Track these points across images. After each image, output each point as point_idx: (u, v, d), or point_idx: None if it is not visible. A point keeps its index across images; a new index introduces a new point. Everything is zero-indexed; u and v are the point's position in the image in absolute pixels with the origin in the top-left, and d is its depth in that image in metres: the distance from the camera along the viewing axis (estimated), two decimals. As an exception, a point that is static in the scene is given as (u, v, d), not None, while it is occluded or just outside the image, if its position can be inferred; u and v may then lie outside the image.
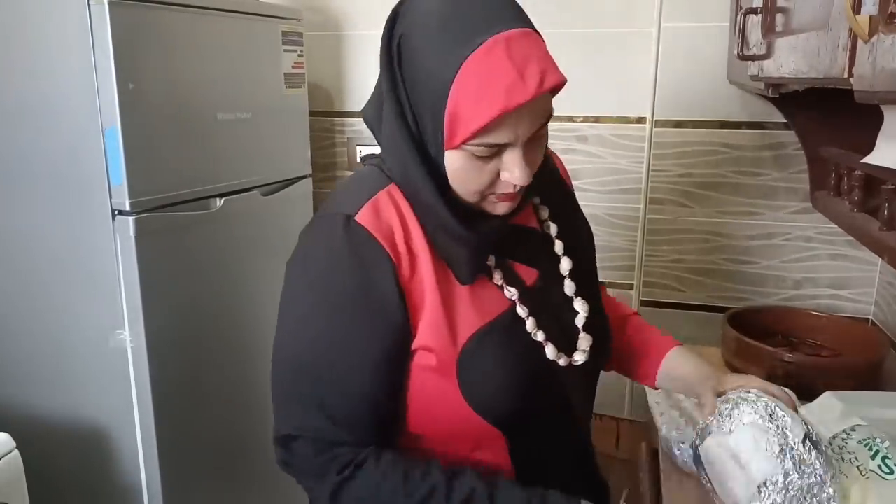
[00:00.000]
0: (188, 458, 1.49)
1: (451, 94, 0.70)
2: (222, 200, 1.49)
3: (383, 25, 0.79)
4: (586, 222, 0.98)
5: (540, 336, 0.82)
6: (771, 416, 0.81)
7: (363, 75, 1.90)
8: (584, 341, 0.86)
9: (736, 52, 1.14)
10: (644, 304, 1.82)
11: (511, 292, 0.82)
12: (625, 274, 1.82)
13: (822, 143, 1.40)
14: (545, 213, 0.90)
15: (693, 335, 1.78)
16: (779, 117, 1.57)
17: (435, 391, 0.79)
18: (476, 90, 0.69)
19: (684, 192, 1.73)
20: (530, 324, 0.82)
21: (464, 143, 0.72)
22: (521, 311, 0.82)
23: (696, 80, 1.65)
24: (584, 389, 0.91)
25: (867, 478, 0.84)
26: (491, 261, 0.82)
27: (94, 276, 1.33)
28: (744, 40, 1.14)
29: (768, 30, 1.06)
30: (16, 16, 1.26)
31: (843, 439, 0.91)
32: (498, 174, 0.75)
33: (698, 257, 1.76)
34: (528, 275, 0.86)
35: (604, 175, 1.77)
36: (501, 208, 0.80)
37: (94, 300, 1.34)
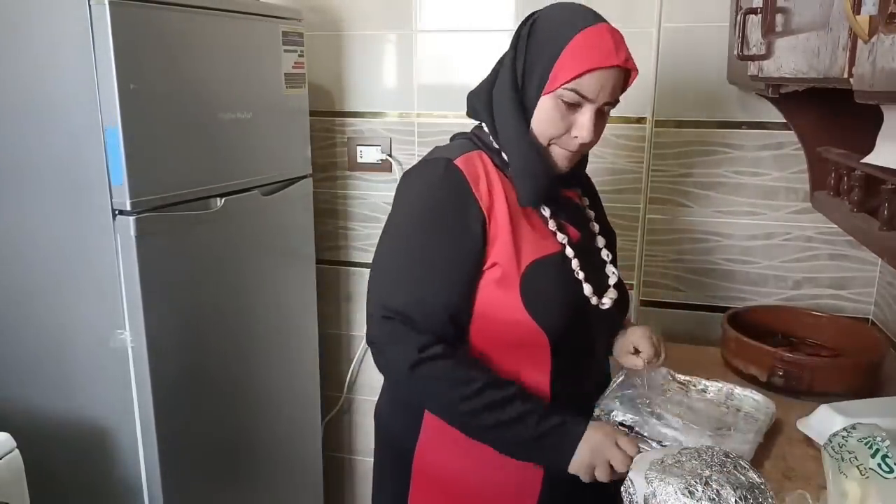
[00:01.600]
0: (188, 457, 1.49)
1: (564, 51, 0.98)
2: (223, 200, 1.49)
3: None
4: (611, 226, 1.25)
5: (581, 276, 1.08)
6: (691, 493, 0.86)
7: (363, 75, 1.90)
8: (611, 293, 1.13)
9: (736, 52, 1.15)
10: (644, 303, 1.82)
11: (562, 237, 1.08)
12: (625, 274, 1.79)
13: (821, 143, 1.40)
14: (586, 201, 1.21)
15: (693, 335, 1.79)
16: (779, 117, 1.57)
17: (499, 300, 1.02)
18: (582, 50, 0.97)
19: (684, 191, 1.74)
20: (575, 264, 1.07)
21: (563, 84, 0.98)
22: (569, 252, 1.07)
23: (696, 80, 1.66)
24: (605, 332, 1.17)
25: (867, 477, 0.84)
26: (546, 211, 1.08)
27: (95, 276, 1.33)
28: (744, 40, 1.14)
29: (768, 30, 1.06)
30: (16, 16, 1.26)
31: (843, 437, 0.91)
32: (569, 130, 1.03)
33: (698, 257, 1.77)
34: (573, 234, 1.11)
35: (604, 175, 1.77)
36: (562, 162, 1.07)
37: (95, 300, 1.34)
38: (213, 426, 1.56)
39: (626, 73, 1.01)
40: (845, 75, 0.71)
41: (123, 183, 1.27)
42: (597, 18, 1.01)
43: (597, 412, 1.11)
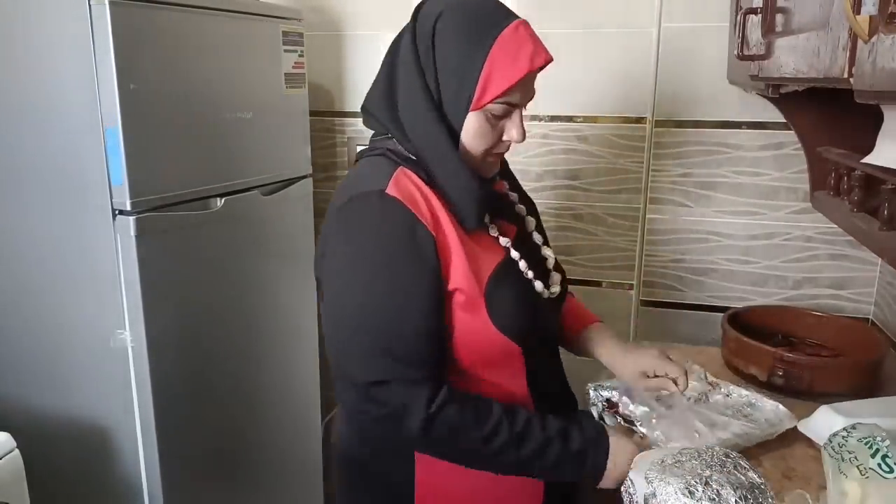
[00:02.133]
0: (189, 457, 1.49)
1: (487, 63, 0.92)
2: (223, 200, 1.49)
3: (407, 20, 0.99)
4: (530, 198, 1.20)
5: (530, 274, 1.05)
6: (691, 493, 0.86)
7: (363, 75, 1.90)
8: (556, 277, 1.12)
9: (736, 52, 1.15)
10: (644, 303, 1.82)
11: (505, 241, 1.04)
12: (625, 274, 1.82)
13: (821, 143, 1.40)
14: (506, 185, 1.16)
15: (693, 335, 1.78)
16: (779, 117, 1.57)
17: (468, 324, 0.97)
18: (507, 59, 0.92)
19: (684, 191, 1.74)
20: (522, 265, 1.04)
21: (493, 100, 0.94)
22: (515, 254, 1.04)
23: (696, 80, 1.66)
24: (556, 317, 1.15)
25: (867, 477, 0.84)
26: (486, 218, 1.03)
27: (95, 276, 1.33)
28: (744, 40, 1.14)
29: (768, 30, 1.06)
30: (16, 16, 1.26)
31: (843, 437, 0.91)
32: (500, 136, 0.99)
33: (698, 257, 1.77)
34: (510, 230, 1.08)
35: (604, 175, 1.77)
36: (493, 168, 1.05)
37: (95, 300, 1.34)
38: (213, 426, 1.55)
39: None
40: (845, 75, 0.71)
41: (123, 183, 1.27)
42: (505, 14, 0.95)
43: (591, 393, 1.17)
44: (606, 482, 1.00)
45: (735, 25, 1.23)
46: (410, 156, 1.00)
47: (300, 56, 1.71)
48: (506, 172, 1.18)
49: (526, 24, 0.95)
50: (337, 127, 1.96)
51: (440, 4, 0.96)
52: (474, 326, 0.97)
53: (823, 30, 0.80)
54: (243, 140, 1.55)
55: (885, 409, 1.13)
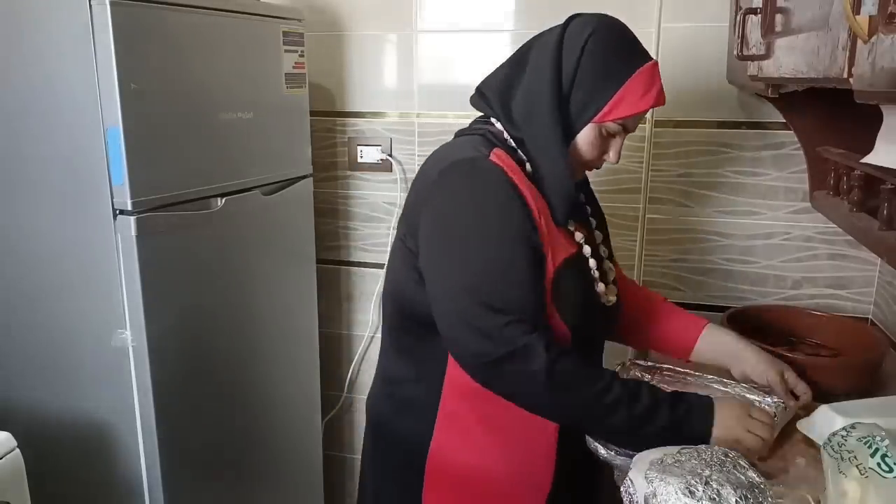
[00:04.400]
0: (189, 457, 1.49)
1: (622, 89, 1.02)
2: (223, 200, 1.49)
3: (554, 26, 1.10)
4: (602, 213, 1.27)
5: (596, 274, 1.11)
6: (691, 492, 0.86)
7: (364, 75, 1.91)
8: (613, 289, 1.17)
9: (735, 52, 1.15)
10: (644, 303, 1.82)
11: (579, 237, 1.11)
12: (625, 273, 1.81)
13: (821, 142, 1.41)
14: (582, 197, 1.21)
15: (693, 335, 1.78)
16: (778, 117, 1.57)
17: None
18: (639, 92, 1.03)
19: (684, 191, 1.74)
20: (592, 262, 1.11)
21: (616, 119, 1.04)
22: (587, 250, 1.11)
23: (695, 80, 1.66)
24: (606, 326, 1.20)
25: (866, 476, 0.84)
26: None
27: (96, 276, 1.33)
28: (743, 40, 1.14)
29: (768, 30, 1.06)
30: (16, 16, 1.26)
31: (842, 437, 0.91)
32: (603, 153, 1.09)
33: (698, 257, 1.77)
34: (584, 232, 1.14)
35: (604, 175, 1.77)
36: (582, 175, 1.14)
37: (96, 299, 1.35)
38: (214, 426, 1.56)
39: None
40: (845, 75, 0.72)
41: (124, 183, 1.27)
42: (645, 54, 1.06)
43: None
44: (718, 440, 1.01)
45: (735, 25, 1.23)
46: (510, 141, 1.07)
47: (300, 56, 1.72)
48: (586, 183, 1.25)
49: (657, 64, 1.06)
50: (337, 127, 1.96)
51: (594, 22, 1.05)
52: None
53: (823, 30, 0.80)
54: (244, 140, 1.55)
55: (885, 409, 1.13)
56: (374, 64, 1.90)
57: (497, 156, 1.02)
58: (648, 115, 1.71)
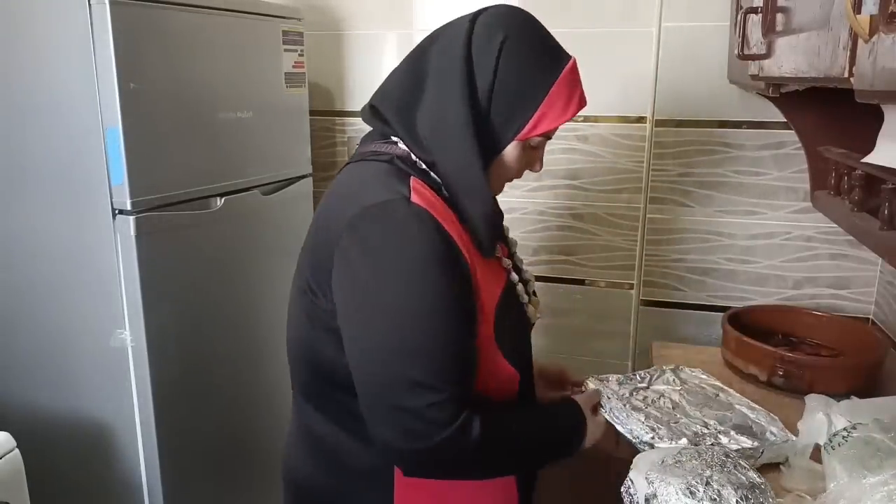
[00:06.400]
0: (189, 456, 1.49)
1: (547, 99, 0.92)
2: (223, 200, 1.49)
3: (463, 25, 0.93)
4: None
5: (525, 299, 1.03)
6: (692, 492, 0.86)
7: (363, 75, 1.90)
8: (537, 301, 1.08)
9: (736, 51, 1.14)
10: (644, 303, 1.82)
11: (507, 262, 1.01)
12: (625, 273, 1.82)
13: (822, 142, 1.40)
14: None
15: (693, 335, 1.78)
16: (779, 117, 1.57)
17: (480, 352, 0.92)
18: (564, 98, 0.93)
19: (684, 191, 1.74)
20: (520, 288, 1.02)
21: (542, 133, 0.94)
22: (514, 277, 1.01)
23: (696, 79, 1.65)
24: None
25: (866, 476, 0.84)
26: None
27: (95, 276, 1.33)
28: (744, 40, 1.14)
29: (768, 29, 1.06)
30: (16, 16, 1.26)
31: (843, 437, 0.91)
32: (525, 167, 1.00)
33: (698, 257, 1.76)
34: (505, 251, 1.05)
35: (604, 174, 1.77)
36: (499, 192, 1.01)
37: (95, 299, 1.34)
38: (214, 426, 1.56)
39: None
40: (846, 75, 0.71)
41: (123, 182, 1.27)
42: (561, 53, 0.95)
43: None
44: (588, 443, 1.03)
45: (735, 25, 1.23)
46: (422, 165, 0.93)
47: (300, 55, 1.71)
48: None
49: (575, 63, 0.95)
50: (337, 126, 1.96)
51: (505, 25, 0.91)
52: (484, 356, 0.92)
53: (824, 29, 0.80)
54: (243, 140, 1.55)
55: (885, 409, 1.13)
56: (373, 63, 1.89)
57: (417, 191, 0.87)
58: (649, 115, 1.71)
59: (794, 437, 1.07)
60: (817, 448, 1.01)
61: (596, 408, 1.09)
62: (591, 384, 1.16)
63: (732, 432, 1.07)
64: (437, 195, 0.91)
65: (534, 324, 1.07)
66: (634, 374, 1.23)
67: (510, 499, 1.04)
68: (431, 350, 0.84)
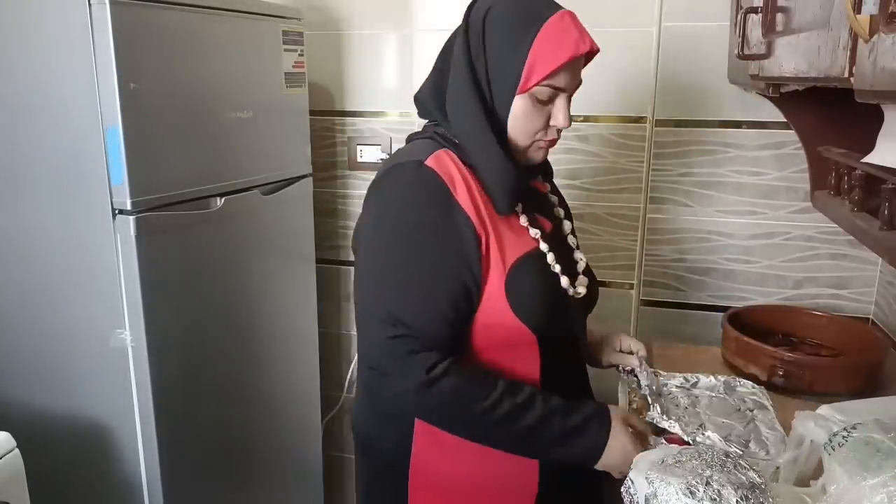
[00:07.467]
0: (189, 456, 1.49)
1: (533, 48, 0.97)
2: (223, 200, 1.49)
3: (462, 17, 1.05)
4: (567, 205, 1.25)
5: (557, 269, 1.07)
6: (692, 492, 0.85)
7: (363, 75, 1.90)
8: (583, 280, 1.13)
9: (736, 51, 1.14)
10: (644, 303, 1.82)
11: (535, 232, 1.06)
12: (625, 273, 1.82)
13: (822, 142, 1.40)
14: (548, 187, 1.22)
15: (693, 335, 1.78)
16: (779, 117, 1.57)
17: (486, 305, 1.00)
18: (552, 43, 0.97)
19: (685, 191, 1.74)
20: (550, 258, 1.06)
21: (537, 83, 0.98)
22: (544, 247, 1.06)
23: (696, 79, 1.65)
24: (582, 318, 1.17)
25: (866, 476, 0.84)
26: (519, 207, 1.06)
27: (95, 276, 1.33)
28: (744, 40, 1.14)
29: (769, 29, 1.06)
30: (16, 16, 1.26)
31: (843, 437, 0.91)
32: (548, 121, 1.03)
33: (699, 256, 1.76)
34: (545, 225, 1.11)
35: (604, 174, 1.77)
36: (540, 154, 1.08)
37: (95, 299, 1.34)
38: (214, 426, 1.55)
39: (589, 54, 1.03)
40: (846, 75, 0.71)
41: (123, 182, 1.26)
42: (552, 7, 1.00)
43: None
44: (607, 460, 1.01)
45: (735, 25, 1.23)
46: (455, 139, 1.04)
47: (300, 55, 1.71)
48: (548, 175, 1.23)
49: (572, 14, 1.00)
50: (337, 126, 1.96)
51: (489, 1, 1.02)
52: (492, 308, 1.00)
53: (824, 29, 0.80)
54: (243, 139, 1.55)
55: (885, 409, 1.13)
56: (373, 63, 1.89)
57: (437, 157, 1.01)
58: (649, 115, 1.70)
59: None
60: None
61: (635, 428, 1.05)
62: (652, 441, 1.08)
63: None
64: (466, 166, 1.02)
65: (580, 299, 1.12)
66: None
67: (529, 477, 1.07)
68: (407, 302, 0.97)
